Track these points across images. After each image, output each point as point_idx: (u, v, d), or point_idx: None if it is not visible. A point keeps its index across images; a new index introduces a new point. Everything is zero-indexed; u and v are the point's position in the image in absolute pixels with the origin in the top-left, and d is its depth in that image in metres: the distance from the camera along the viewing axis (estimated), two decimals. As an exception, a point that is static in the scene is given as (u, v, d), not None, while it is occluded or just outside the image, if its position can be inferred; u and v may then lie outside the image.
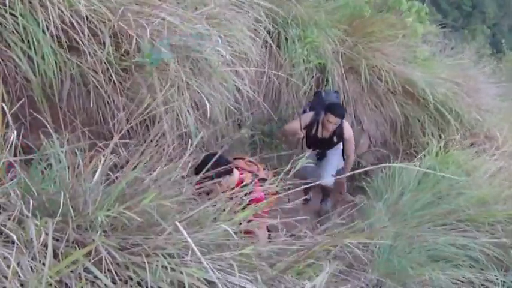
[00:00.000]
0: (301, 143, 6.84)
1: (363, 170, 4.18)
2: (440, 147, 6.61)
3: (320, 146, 6.80)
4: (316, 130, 6.64)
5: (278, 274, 2.66)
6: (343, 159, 6.91)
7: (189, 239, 2.34)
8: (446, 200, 5.45)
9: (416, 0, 8.43)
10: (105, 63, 4.00)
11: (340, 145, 6.84)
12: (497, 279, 4.64)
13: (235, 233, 2.67)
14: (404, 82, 7.62)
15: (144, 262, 2.44)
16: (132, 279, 2.42)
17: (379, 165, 5.44)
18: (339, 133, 6.62)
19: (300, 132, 6.52)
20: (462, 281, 4.52)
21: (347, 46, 7.57)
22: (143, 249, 2.54)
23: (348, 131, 6.67)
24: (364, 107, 7.68)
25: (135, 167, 3.00)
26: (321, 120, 6.54)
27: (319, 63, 7.15)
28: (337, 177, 6.74)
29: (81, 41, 3.92)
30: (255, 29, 6.13)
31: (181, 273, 2.42)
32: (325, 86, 7.21)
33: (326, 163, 6.91)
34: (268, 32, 6.55)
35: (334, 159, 6.93)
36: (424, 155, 6.42)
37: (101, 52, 3.95)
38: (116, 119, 3.98)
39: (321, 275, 2.75)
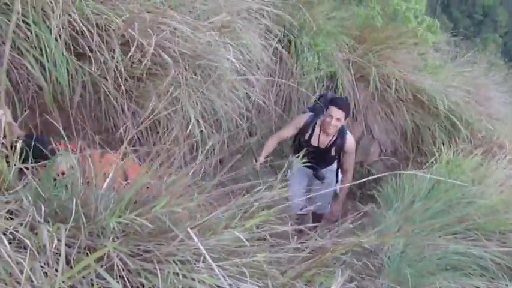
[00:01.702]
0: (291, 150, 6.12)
1: (372, 177, 4.10)
2: (451, 155, 6.60)
3: (314, 157, 5.62)
4: (311, 135, 5.76)
5: (289, 281, 2.67)
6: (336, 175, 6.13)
7: (200, 246, 2.34)
8: (457, 209, 5.43)
9: (427, 13, 8.44)
10: (115, 71, 4.02)
11: (335, 163, 6.06)
12: (507, 287, 4.62)
13: (247, 239, 2.68)
14: (415, 90, 7.64)
15: (156, 268, 2.45)
16: (143, 285, 2.43)
17: (389, 173, 5.42)
18: (339, 144, 5.79)
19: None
20: (472, 290, 4.51)
21: (358, 54, 7.60)
22: (155, 256, 2.55)
23: (350, 143, 5.83)
24: (374, 115, 7.69)
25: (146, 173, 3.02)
26: (319, 122, 5.70)
27: (330, 71, 7.17)
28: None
29: (92, 49, 3.96)
30: (265, 37, 6.16)
31: (193, 279, 2.43)
32: (336, 93, 7.21)
33: (324, 186, 5.96)
34: (279, 40, 6.58)
35: (332, 179, 6.10)
36: (434, 163, 6.41)
37: (112, 60, 3.98)
38: (124, 125, 4.00)
39: (334, 283, 2.75)
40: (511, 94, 9.80)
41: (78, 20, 3.82)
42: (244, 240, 2.60)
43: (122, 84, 4.11)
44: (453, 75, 8.61)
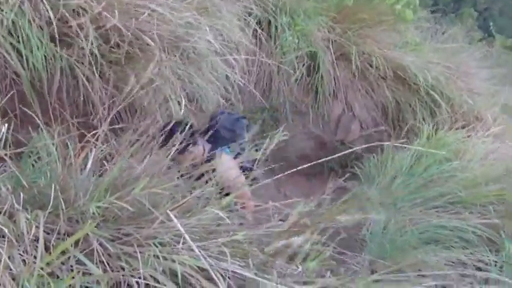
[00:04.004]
0: None
1: (348, 151, 4.00)
2: (432, 130, 6.64)
3: None
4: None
5: (270, 258, 2.68)
6: None
7: (180, 227, 2.36)
8: (438, 183, 5.48)
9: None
10: (94, 55, 4.00)
11: None
12: (489, 259, 4.67)
13: (227, 217, 2.69)
14: (395, 67, 7.62)
15: (136, 252, 2.45)
16: (124, 269, 2.44)
17: (371, 145, 5.39)
18: None
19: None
20: (455, 263, 4.54)
21: (337, 33, 7.57)
22: (135, 239, 2.56)
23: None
24: (355, 93, 7.67)
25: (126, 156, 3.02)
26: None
27: (310, 51, 7.16)
28: None
29: (69, 34, 3.93)
30: (244, 18, 6.14)
31: (174, 261, 2.44)
32: (316, 73, 7.21)
33: None
34: (258, 21, 6.56)
35: None
36: (416, 139, 6.45)
37: (89, 45, 3.95)
38: (102, 107, 3.99)
39: (316, 259, 2.78)
40: (492, 69, 9.83)
41: (54, 4, 3.79)
42: (225, 217, 2.62)
43: (99, 69, 4.08)
44: (433, 52, 8.62)
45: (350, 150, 3.75)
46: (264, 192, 3.79)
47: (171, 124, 3.73)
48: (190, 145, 4.05)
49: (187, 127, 3.64)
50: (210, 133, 4.15)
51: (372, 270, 3.97)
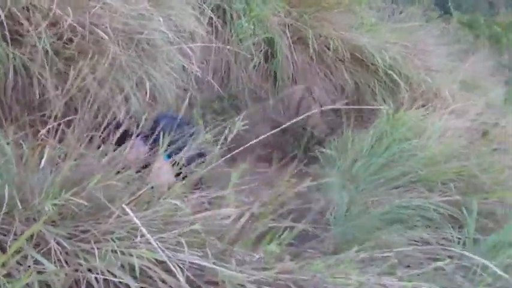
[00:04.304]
0: None
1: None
2: (391, 110, 6.68)
3: None
4: None
5: (228, 247, 2.69)
6: None
7: (136, 220, 2.36)
8: (399, 163, 5.53)
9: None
10: (47, 52, 3.96)
11: None
12: (452, 236, 4.73)
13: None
14: (352, 49, 7.65)
15: (94, 248, 2.45)
16: (82, 266, 2.42)
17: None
18: None
19: None
20: (418, 241, 4.59)
21: (293, 17, 7.57)
22: (92, 235, 2.55)
23: None
24: (313, 77, 7.68)
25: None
26: None
27: (267, 37, 7.15)
28: None
29: (21, 32, 3.89)
30: (199, 7, 6.11)
31: (131, 255, 2.43)
32: (274, 57, 7.21)
33: None
34: (213, 9, 6.54)
35: None
36: (376, 119, 6.49)
37: (41, 42, 3.91)
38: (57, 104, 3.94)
39: (273, 244, 2.79)
40: (449, 46, 9.92)
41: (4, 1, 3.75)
42: (182, 206, 2.62)
43: (55, 66, 4.05)
44: (390, 32, 8.66)
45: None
46: (226, 181, 3.78)
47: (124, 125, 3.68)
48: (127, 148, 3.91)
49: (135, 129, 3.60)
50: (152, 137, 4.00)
51: (334, 252, 4.00)
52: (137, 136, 3.97)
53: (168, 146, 3.71)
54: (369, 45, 7.65)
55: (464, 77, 9.25)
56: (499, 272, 3.23)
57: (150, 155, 4.12)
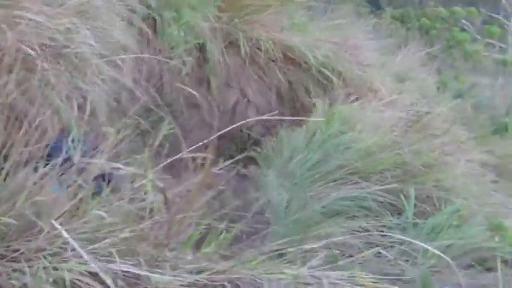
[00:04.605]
0: None
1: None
2: (325, 106, 6.76)
3: None
4: None
5: (159, 252, 2.69)
6: None
7: (64, 233, 2.35)
8: (335, 156, 5.60)
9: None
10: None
11: None
12: (392, 223, 4.82)
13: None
14: (284, 49, 7.71)
15: (25, 267, 2.42)
16: (14, 286, 2.40)
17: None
18: None
19: None
20: (359, 231, 4.66)
21: (224, 22, 7.60)
22: (23, 254, 2.53)
23: None
24: (247, 80, 7.72)
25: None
26: None
27: (198, 43, 7.17)
28: None
29: None
30: (128, 18, 6.09)
31: (62, 270, 2.41)
32: (207, 63, 7.23)
33: None
34: (143, 19, 6.52)
35: None
36: (310, 116, 6.56)
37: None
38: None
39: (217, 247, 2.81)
40: (381, 40, 10.09)
41: None
42: (105, 215, 2.61)
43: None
44: (321, 30, 8.74)
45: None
46: (165, 188, 3.78)
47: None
48: None
49: None
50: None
51: (275, 250, 4.03)
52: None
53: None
54: (300, 45, 7.72)
55: (397, 70, 9.43)
56: (439, 253, 3.29)
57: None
